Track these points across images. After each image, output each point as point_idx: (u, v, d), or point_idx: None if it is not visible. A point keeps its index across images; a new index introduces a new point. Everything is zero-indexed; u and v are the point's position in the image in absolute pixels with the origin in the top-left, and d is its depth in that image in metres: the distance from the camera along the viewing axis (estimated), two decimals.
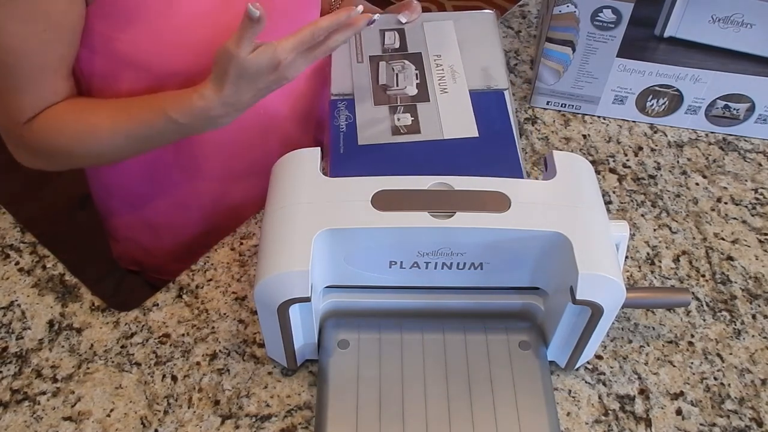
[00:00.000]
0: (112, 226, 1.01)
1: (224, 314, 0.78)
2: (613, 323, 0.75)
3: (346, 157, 0.74)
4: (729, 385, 0.74)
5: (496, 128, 0.73)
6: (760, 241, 0.87)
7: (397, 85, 0.78)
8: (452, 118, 0.74)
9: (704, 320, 0.79)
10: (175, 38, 0.74)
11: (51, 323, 0.77)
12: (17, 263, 0.83)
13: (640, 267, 0.84)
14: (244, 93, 0.69)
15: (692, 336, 0.78)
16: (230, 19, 0.77)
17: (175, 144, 0.86)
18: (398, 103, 0.76)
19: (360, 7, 0.65)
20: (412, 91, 0.77)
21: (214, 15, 0.75)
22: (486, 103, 0.76)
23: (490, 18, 0.87)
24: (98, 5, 0.70)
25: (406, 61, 0.81)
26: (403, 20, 0.85)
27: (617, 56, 0.94)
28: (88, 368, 0.74)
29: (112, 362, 0.74)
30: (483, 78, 0.79)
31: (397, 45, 0.83)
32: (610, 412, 0.72)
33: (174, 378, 0.73)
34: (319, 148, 0.69)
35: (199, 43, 0.75)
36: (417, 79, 0.78)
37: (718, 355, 0.76)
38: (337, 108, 0.76)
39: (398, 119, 0.74)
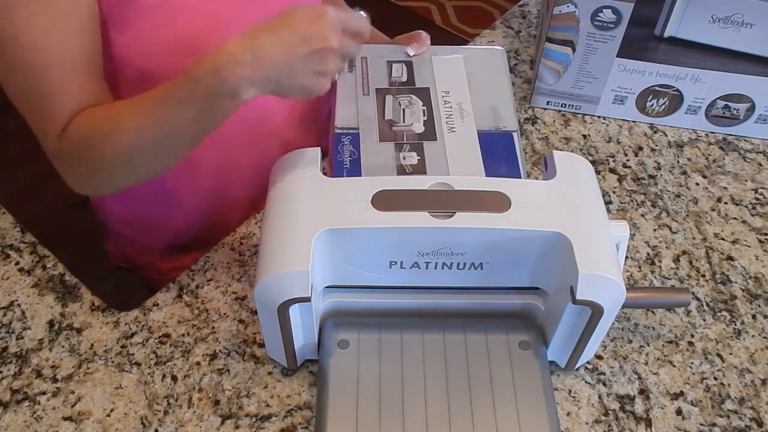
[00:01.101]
0: (104, 220, 1.01)
1: (224, 314, 0.78)
2: (613, 323, 0.75)
3: None
4: (729, 385, 0.74)
5: (504, 172, 0.71)
6: (760, 241, 0.87)
7: (404, 121, 0.76)
8: (459, 160, 0.72)
9: (704, 320, 0.79)
10: (171, 42, 0.73)
11: (51, 323, 0.77)
12: (17, 263, 0.83)
13: (640, 267, 0.84)
14: (276, 49, 0.61)
15: (692, 336, 0.78)
16: (225, 24, 0.77)
17: None
18: (404, 141, 0.74)
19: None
20: (419, 128, 0.75)
21: (210, 19, 0.75)
22: (494, 145, 0.74)
23: (500, 55, 0.85)
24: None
25: (414, 96, 0.79)
26: (411, 53, 0.84)
27: (617, 56, 0.94)
28: (88, 368, 0.74)
29: (112, 362, 0.74)
30: (492, 118, 0.77)
31: (404, 78, 0.81)
32: (610, 412, 0.72)
33: (174, 378, 0.73)
34: (319, 148, 0.69)
35: (194, 47, 0.74)
36: (424, 115, 0.76)
37: (718, 355, 0.76)
38: (341, 142, 0.74)
39: (404, 158, 0.72)
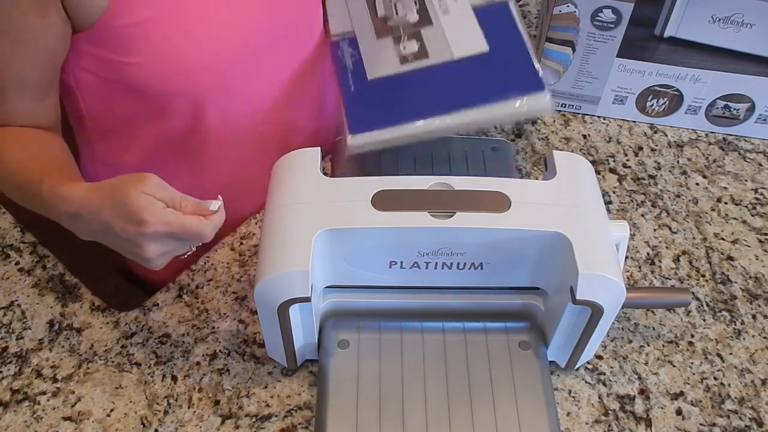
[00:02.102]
0: None
1: (224, 314, 0.78)
2: (613, 323, 0.75)
3: (358, 95, 0.72)
4: (729, 385, 0.74)
5: (506, 40, 0.70)
6: (760, 241, 0.87)
7: (397, 14, 0.75)
8: (459, 37, 0.71)
9: (704, 320, 0.79)
10: (173, 64, 0.73)
11: (51, 323, 0.77)
12: (17, 263, 0.83)
13: (640, 267, 0.84)
14: (96, 222, 0.62)
15: (692, 336, 0.78)
16: (230, 46, 0.77)
17: (175, 156, 0.85)
18: (401, 32, 0.73)
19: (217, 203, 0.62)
20: (413, 17, 0.74)
21: (213, 43, 0.75)
22: (491, 17, 0.73)
23: None
24: (96, 30, 0.70)
25: None
26: None
27: (617, 56, 0.94)
28: (88, 368, 0.74)
29: (112, 362, 0.74)
30: None
31: None
32: (610, 412, 0.72)
33: (174, 378, 0.73)
34: (319, 148, 0.69)
35: (194, 70, 0.75)
36: (416, 4, 0.75)
37: (718, 355, 0.76)
38: (340, 48, 0.73)
39: (404, 47, 0.71)
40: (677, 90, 0.96)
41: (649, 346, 0.77)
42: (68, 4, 0.67)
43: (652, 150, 0.98)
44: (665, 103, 0.98)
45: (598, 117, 1.02)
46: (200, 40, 0.74)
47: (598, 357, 0.76)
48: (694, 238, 0.87)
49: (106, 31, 0.70)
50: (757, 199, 0.92)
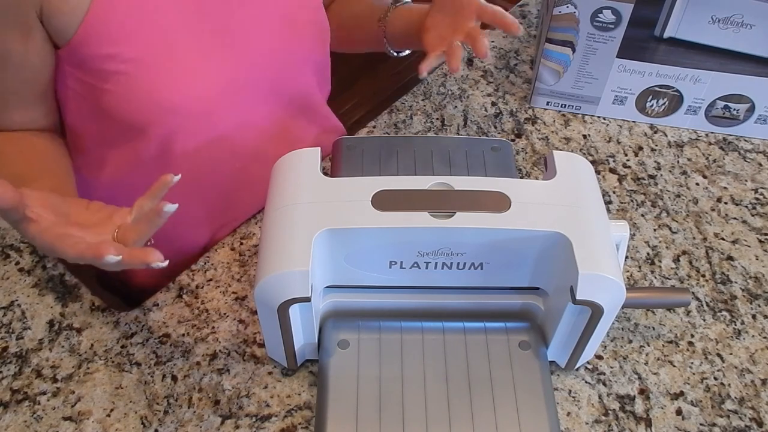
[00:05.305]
0: None
1: (224, 314, 0.78)
2: (613, 323, 0.75)
3: None
4: (729, 385, 0.74)
5: None
6: (760, 241, 0.87)
7: None
8: None
9: (704, 320, 0.79)
10: (145, 99, 0.73)
11: (51, 323, 0.77)
12: (17, 263, 0.83)
13: (640, 267, 0.84)
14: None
15: (692, 336, 0.78)
16: (208, 87, 0.76)
17: (150, 178, 0.84)
18: None
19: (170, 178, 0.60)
20: None
21: (188, 84, 0.75)
22: None
23: None
24: (70, 51, 0.71)
25: None
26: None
27: (617, 57, 0.94)
28: (88, 368, 0.74)
29: (112, 362, 0.74)
30: None
31: None
32: (610, 412, 0.72)
33: (174, 378, 0.73)
34: (319, 148, 0.69)
35: (168, 106, 0.75)
36: None
37: (718, 355, 0.76)
38: None
39: None
40: (677, 90, 0.96)
41: (649, 346, 0.77)
42: (46, 21, 0.69)
43: (652, 150, 0.98)
44: (665, 103, 0.98)
45: (598, 117, 1.02)
46: (174, 81, 0.74)
47: (598, 357, 0.76)
48: (694, 238, 0.87)
49: (79, 54, 0.71)
50: (757, 199, 0.92)
